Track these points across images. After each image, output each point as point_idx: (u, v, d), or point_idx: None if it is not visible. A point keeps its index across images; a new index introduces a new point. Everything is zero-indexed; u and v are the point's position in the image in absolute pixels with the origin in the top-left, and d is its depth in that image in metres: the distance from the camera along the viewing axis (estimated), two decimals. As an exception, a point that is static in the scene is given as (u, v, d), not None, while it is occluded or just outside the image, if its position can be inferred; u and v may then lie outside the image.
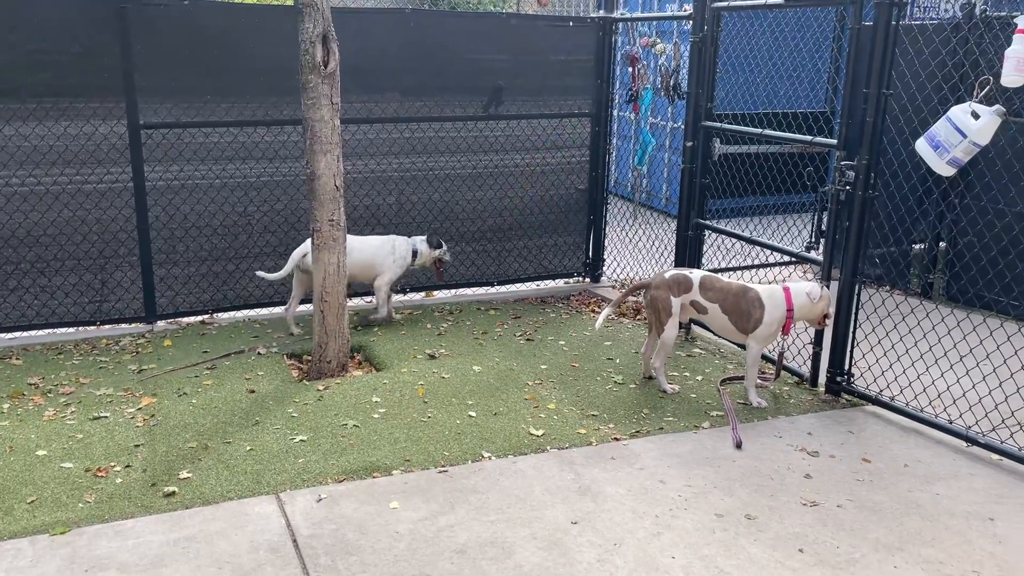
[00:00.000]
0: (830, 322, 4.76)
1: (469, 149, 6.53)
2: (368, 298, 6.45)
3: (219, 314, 6.04)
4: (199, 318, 5.97)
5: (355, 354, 5.40)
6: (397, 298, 6.54)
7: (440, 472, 3.93)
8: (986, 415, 4.43)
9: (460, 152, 6.51)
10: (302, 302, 5.78)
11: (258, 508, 3.60)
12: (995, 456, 4.14)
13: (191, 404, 4.56)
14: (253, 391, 4.75)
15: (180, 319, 5.94)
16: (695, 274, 4.86)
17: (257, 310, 6.15)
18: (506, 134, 6.61)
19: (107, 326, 5.77)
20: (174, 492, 3.70)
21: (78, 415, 4.42)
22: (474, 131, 6.50)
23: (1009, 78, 4.17)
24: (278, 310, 6.15)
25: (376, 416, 4.46)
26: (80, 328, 5.71)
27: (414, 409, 4.56)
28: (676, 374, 5.14)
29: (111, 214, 5.60)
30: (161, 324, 5.88)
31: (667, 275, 4.87)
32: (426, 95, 6.30)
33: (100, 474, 3.83)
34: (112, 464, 3.92)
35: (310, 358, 5.16)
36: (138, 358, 5.23)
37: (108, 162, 5.52)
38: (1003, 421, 4.44)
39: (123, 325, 5.80)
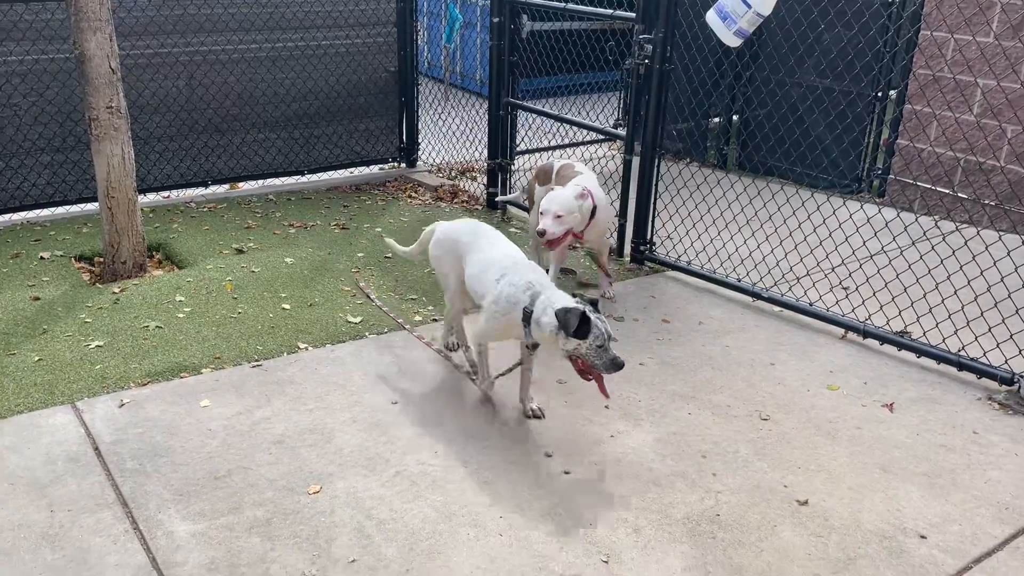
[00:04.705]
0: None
1: (265, 27, 6.08)
2: (165, 193, 6.03)
3: (-9, 218, 5.44)
4: (-33, 224, 5.35)
5: (154, 253, 5.06)
6: (199, 191, 6.14)
7: (254, 367, 3.82)
8: (768, 272, 4.85)
9: (255, 30, 6.05)
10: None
11: (52, 419, 3.36)
12: (777, 308, 4.57)
13: (-36, 318, 4.13)
14: (38, 298, 4.35)
15: (-57, 226, 5.30)
16: (557, 163, 4.78)
17: (37, 211, 5.57)
18: (305, 10, 6.20)
19: None
20: (-48, 413, 3.38)
21: None
22: (269, 7, 6.04)
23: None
24: (60, 210, 5.61)
25: (181, 316, 4.24)
26: None
27: (223, 306, 4.36)
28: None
29: None
30: (-80, 233, 5.22)
31: (543, 165, 4.78)
32: (211, -34, 5.75)
33: None
34: None
35: (102, 260, 4.78)
36: None
37: None
38: (783, 276, 4.88)
39: None
